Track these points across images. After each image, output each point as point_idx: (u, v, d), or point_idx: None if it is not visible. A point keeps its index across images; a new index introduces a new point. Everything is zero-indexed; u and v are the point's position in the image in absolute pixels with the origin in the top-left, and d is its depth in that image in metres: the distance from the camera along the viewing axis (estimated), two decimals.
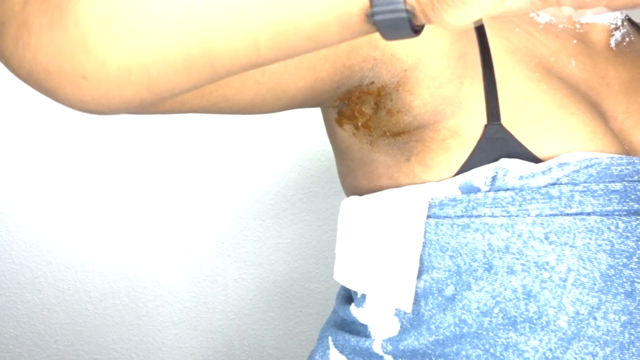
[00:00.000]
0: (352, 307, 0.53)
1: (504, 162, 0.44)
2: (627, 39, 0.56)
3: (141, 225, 1.12)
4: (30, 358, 1.19)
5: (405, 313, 0.48)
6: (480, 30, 0.49)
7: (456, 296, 0.46)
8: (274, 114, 1.07)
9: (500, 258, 0.44)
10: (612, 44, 0.54)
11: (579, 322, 0.44)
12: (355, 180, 0.52)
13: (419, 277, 0.47)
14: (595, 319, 0.44)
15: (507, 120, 0.46)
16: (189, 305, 1.17)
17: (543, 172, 0.44)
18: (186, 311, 1.17)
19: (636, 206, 0.45)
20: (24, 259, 1.13)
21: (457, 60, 0.47)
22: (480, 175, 0.45)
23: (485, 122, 0.46)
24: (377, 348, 0.50)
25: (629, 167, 0.45)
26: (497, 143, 0.45)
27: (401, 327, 0.49)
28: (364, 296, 0.52)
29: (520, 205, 0.44)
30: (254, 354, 1.20)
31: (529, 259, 0.44)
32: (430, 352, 0.48)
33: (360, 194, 0.52)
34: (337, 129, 0.51)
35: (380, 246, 0.49)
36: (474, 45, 0.48)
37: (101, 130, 1.07)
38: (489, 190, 0.44)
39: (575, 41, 0.53)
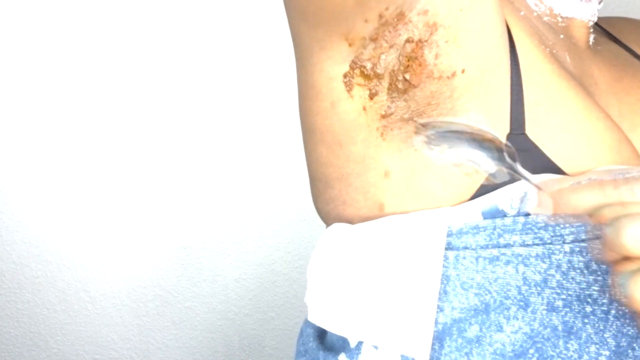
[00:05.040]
0: (342, 358, 0.43)
1: (532, 179, 0.38)
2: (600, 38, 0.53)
3: (141, 225, 1.12)
4: (30, 358, 1.19)
5: None
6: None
7: (483, 338, 0.39)
8: (271, 114, 1.07)
9: (539, 294, 0.38)
10: (591, 41, 0.50)
11: (619, 355, 0.40)
12: (342, 200, 0.42)
13: (445, 318, 0.40)
14: (633, 349, 0.40)
15: (533, 127, 0.40)
16: (189, 305, 1.16)
17: None
18: (186, 311, 1.17)
19: None
20: (24, 259, 1.13)
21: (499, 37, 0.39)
22: (507, 196, 0.38)
23: (507, 130, 0.39)
24: None
25: None
26: (520, 157, 0.39)
27: None
28: (359, 345, 0.42)
29: (554, 231, 0.38)
30: (254, 354, 1.20)
31: (570, 293, 0.38)
32: None
33: (351, 221, 0.42)
34: (339, 101, 0.39)
35: (385, 285, 0.41)
36: (497, 21, 0.40)
37: (101, 129, 1.07)
38: (517, 215, 0.38)
39: (562, 36, 0.47)
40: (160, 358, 1.20)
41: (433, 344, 0.40)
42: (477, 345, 0.39)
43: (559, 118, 0.39)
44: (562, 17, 0.48)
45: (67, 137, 1.07)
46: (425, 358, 0.39)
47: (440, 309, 0.40)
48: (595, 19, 0.50)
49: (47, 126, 1.07)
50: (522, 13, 0.44)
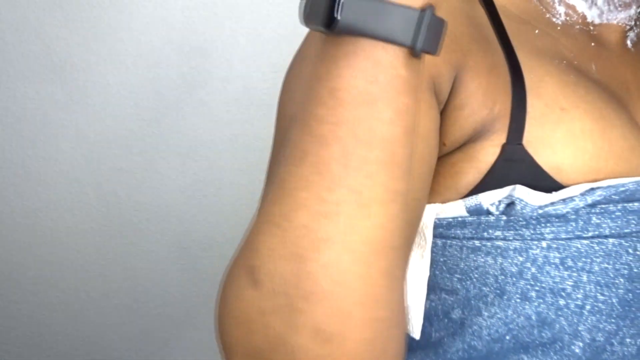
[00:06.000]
0: None
1: (520, 190, 0.41)
2: None
3: (141, 225, 1.12)
4: (30, 358, 1.19)
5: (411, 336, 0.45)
6: (501, 34, 0.45)
7: (465, 321, 0.43)
8: (272, 114, 1.07)
9: (514, 284, 0.41)
10: (629, 44, 0.52)
11: (595, 349, 0.42)
12: None
13: (435, 298, 0.44)
14: (612, 344, 0.42)
15: (535, 137, 0.41)
16: (189, 305, 1.16)
17: (564, 201, 0.40)
18: (186, 311, 1.17)
19: None
20: (24, 259, 1.13)
21: (488, 75, 0.42)
22: (492, 199, 0.41)
23: (504, 140, 0.41)
24: None
25: None
26: (515, 166, 0.41)
27: (409, 348, 0.45)
28: None
29: (534, 229, 0.41)
30: None
31: (544, 286, 0.41)
32: None
33: None
34: None
35: None
36: (498, 52, 0.44)
37: (101, 129, 1.07)
38: (501, 215, 0.41)
39: (593, 44, 0.50)
40: (161, 358, 1.20)
41: (424, 323, 0.44)
42: (460, 326, 0.43)
43: (564, 131, 0.41)
44: (594, 25, 0.51)
45: (68, 136, 1.07)
46: (417, 334, 0.43)
47: (430, 290, 0.44)
48: (632, 22, 0.52)
49: (47, 126, 1.07)
50: (536, 31, 0.47)
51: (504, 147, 0.41)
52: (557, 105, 0.42)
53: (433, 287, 0.44)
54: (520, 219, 0.40)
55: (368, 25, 0.29)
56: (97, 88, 1.05)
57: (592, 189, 0.41)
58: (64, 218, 1.11)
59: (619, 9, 0.51)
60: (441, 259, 0.43)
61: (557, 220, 0.40)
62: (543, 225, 0.40)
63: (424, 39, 0.30)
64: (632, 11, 0.52)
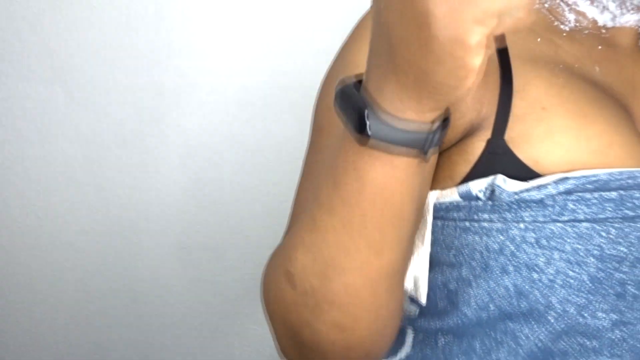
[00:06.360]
0: None
1: (499, 179, 0.47)
2: None
3: (141, 225, 1.12)
4: (30, 358, 1.19)
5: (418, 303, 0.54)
6: (497, 37, 0.51)
7: (458, 291, 0.51)
8: (272, 114, 1.07)
9: (495, 259, 0.48)
10: None
11: (568, 319, 0.48)
12: None
13: (430, 270, 0.52)
14: (583, 317, 0.48)
15: (517, 133, 0.48)
16: (189, 305, 1.17)
17: (538, 188, 0.47)
18: (186, 311, 1.17)
19: (631, 213, 0.47)
20: (24, 258, 1.13)
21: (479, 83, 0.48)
22: (479, 186, 0.48)
23: (489, 136, 0.48)
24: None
25: (629, 180, 0.47)
26: (498, 158, 0.48)
27: (419, 311, 0.55)
28: None
29: (515, 213, 0.47)
30: (254, 354, 1.20)
31: (520, 261, 0.47)
32: (440, 334, 0.53)
33: None
34: None
35: None
36: (493, 60, 0.50)
37: (101, 129, 1.07)
38: (488, 199, 0.48)
39: (600, 47, 0.54)
40: (160, 358, 1.20)
41: (430, 293, 0.52)
42: (455, 296, 0.51)
43: (542, 127, 0.48)
44: (606, 29, 0.55)
45: (67, 135, 1.07)
46: (424, 300, 0.51)
47: (435, 264, 0.51)
48: None
49: (47, 126, 1.07)
50: (538, 40, 0.53)
51: (488, 142, 0.48)
52: (539, 105, 0.48)
53: (437, 262, 0.51)
54: (504, 203, 0.47)
55: (389, 141, 0.37)
56: (97, 88, 1.05)
57: (565, 178, 0.46)
58: (64, 218, 1.11)
59: (632, 12, 0.55)
60: (441, 237, 0.51)
61: (535, 205, 0.47)
62: (523, 209, 0.47)
63: (433, 146, 0.38)
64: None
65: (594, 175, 0.46)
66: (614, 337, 0.48)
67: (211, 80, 1.06)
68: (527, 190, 0.47)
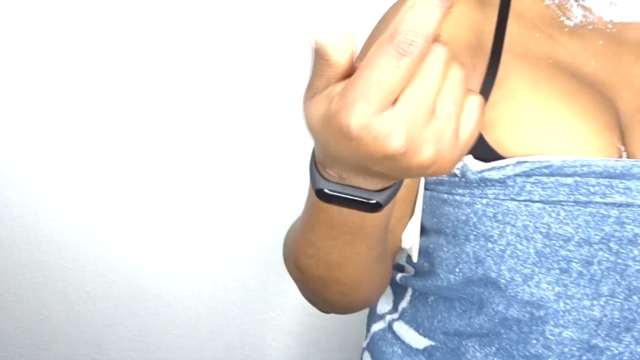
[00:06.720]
0: None
1: (468, 159, 0.53)
2: None
3: (141, 226, 1.12)
4: (30, 358, 1.19)
5: (413, 262, 0.62)
6: (498, 39, 0.56)
7: (434, 254, 0.58)
8: (272, 114, 1.07)
9: (462, 228, 0.55)
10: None
11: (515, 287, 0.54)
12: None
13: (422, 235, 0.59)
14: (529, 286, 0.54)
15: (487, 119, 0.53)
16: (189, 305, 1.17)
17: (498, 169, 0.52)
18: (186, 311, 1.17)
19: (583, 199, 0.51)
20: (24, 259, 1.13)
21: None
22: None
23: None
24: (398, 278, 0.66)
25: (583, 168, 0.51)
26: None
27: (414, 271, 0.63)
28: None
29: (482, 190, 0.53)
30: (254, 354, 1.20)
31: (479, 232, 0.54)
32: (429, 293, 0.61)
33: None
34: None
35: None
36: (485, 53, 0.56)
37: (101, 129, 1.07)
38: (462, 177, 0.54)
39: (601, 42, 0.57)
40: (160, 358, 1.20)
41: (422, 256, 0.60)
42: (432, 258, 0.59)
43: (509, 116, 0.53)
44: (613, 24, 0.58)
45: (67, 136, 1.07)
46: (415, 258, 0.60)
47: (427, 231, 0.59)
48: None
49: (47, 126, 1.07)
50: (537, 35, 0.57)
51: None
52: (511, 95, 0.53)
53: (425, 227, 0.59)
54: (473, 181, 0.53)
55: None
56: (98, 88, 1.05)
57: (522, 161, 0.51)
58: (64, 218, 1.11)
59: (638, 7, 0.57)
60: (429, 207, 0.58)
61: (499, 184, 0.52)
62: (489, 187, 0.53)
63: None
64: None
65: (547, 161, 0.51)
66: (558, 309, 0.53)
67: (211, 80, 1.06)
68: (488, 170, 0.52)
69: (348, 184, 0.38)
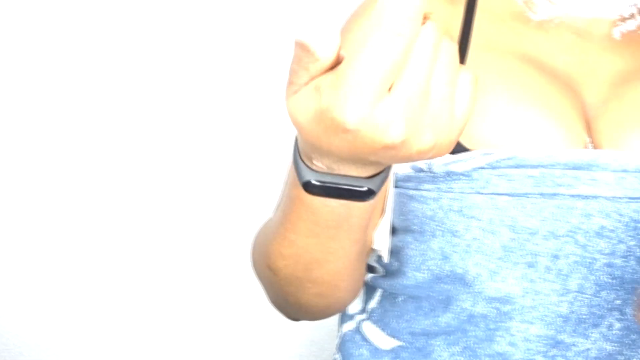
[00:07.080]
0: None
1: None
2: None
3: (141, 226, 1.12)
4: (30, 358, 1.19)
5: (383, 262, 0.60)
6: (465, 33, 0.56)
7: (401, 252, 0.57)
8: (272, 114, 1.07)
9: (428, 224, 0.54)
10: (616, 35, 0.58)
11: (481, 283, 0.53)
12: None
13: (393, 234, 0.58)
14: (495, 281, 0.53)
15: None
16: (189, 305, 1.17)
17: (464, 160, 0.51)
18: (186, 311, 1.17)
19: (549, 191, 0.50)
20: (23, 259, 1.13)
21: None
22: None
23: None
24: (368, 279, 0.64)
25: (549, 159, 0.50)
26: None
27: (384, 271, 0.61)
28: None
29: (448, 184, 0.52)
30: (254, 354, 1.20)
31: (446, 227, 0.53)
32: (398, 293, 0.60)
33: None
34: None
35: None
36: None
37: (101, 131, 1.07)
38: (429, 171, 0.53)
39: (567, 36, 0.58)
40: (161, 358, 1.20)
41: (393, 257, 0.59)
42: (400, 256, 0.57)
43: (480, 108, 0.52)
44: (580, 19, 0.58)
45: (67, 138, 1.07)
46: (387, 259, 0.59)
47: (397, 230, 0.57)
48: (627, 14, 0.58)
49: (47, 126, 1.07)
50: (504, 29, 0.57)
51: None
52: (478, 89, 0.54)
53: (395, 227, 0.58)
54: (440, 176, 0.52)
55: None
56: (98, 88, 1.05)
57: (487, 153, 0.51)
58: (64, 218, 1.11)
59: (605, 2, 0.57)
60: (397, 205, 0.56)
61: (465, 178, 0.52)
62: (455, 181, 0.52)
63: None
64: (622, 4, 0.57)
65: (513, 152, 0.50)
66: (525, 304, 0.52)
67: (213, 83, 1.06)
68: (454, 162, 0.51)
69: (337, 174, 0.36)
